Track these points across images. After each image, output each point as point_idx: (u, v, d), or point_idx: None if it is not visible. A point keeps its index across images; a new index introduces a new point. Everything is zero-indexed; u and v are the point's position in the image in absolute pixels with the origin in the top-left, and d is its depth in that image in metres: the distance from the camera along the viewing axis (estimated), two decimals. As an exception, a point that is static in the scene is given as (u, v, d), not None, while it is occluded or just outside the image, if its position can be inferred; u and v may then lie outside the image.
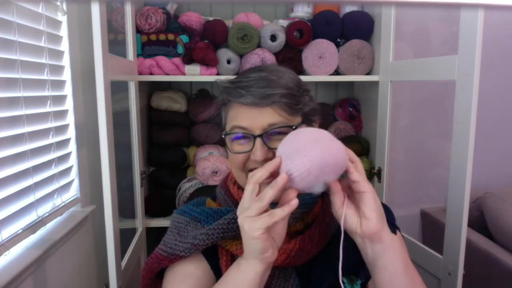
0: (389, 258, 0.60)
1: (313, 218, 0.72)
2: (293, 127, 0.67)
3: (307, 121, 0.71)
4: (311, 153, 0.55)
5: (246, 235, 0.57)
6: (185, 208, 0.77)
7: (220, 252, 0.71)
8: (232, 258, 0.70)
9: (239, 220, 0.58)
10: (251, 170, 0.69)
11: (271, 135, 0.67)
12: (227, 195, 0.77)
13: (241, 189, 0.75)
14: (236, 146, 0.70)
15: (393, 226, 0.77)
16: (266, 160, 0.66)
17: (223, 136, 0.71)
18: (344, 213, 0.60)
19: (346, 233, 0.73)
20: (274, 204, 0.59)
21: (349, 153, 0.60)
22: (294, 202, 0.56)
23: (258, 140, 0.66)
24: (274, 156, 0.66)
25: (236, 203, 0.75)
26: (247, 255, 0.59)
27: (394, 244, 0.60)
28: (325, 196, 0.72)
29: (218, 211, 0.73)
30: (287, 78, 0.69)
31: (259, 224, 0.55)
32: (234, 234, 0.67)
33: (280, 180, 0.56)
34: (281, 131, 0.67)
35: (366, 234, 0.59)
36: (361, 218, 0.60)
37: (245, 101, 0.66)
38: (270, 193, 0.56)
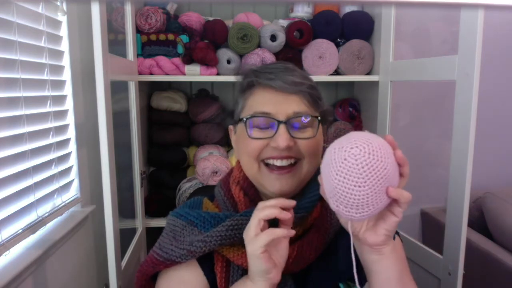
0: (384, 265, 0.60)
1: (311, 222, 0.70)
2: (318, 118, 0.67)
3: (323, 121, 0.70)
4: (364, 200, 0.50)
5: (249, 256, 0.59)
6: (181, 211, 0.74)
7: (216, 258, 0.69)
8: (228, 264, 0.69)
9: (245, 242, 0.60)
10: (263, 161, 0.67)
11: (294, 126, 0.66)
12: (226, 196, 0.74)
13: (242, 191, 0.72)
14: (254, 132, 0.67)
15: None
16: (288, 148, 0.64)
17: (244, 119, 0.67)
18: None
19: (344, 238, 0.71)
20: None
21: (403, 167, 0.54)
22: (293, 232, 0.60)
23: (282, 126, 0.64)
24: (295, 145, 0.65)
25: (235, 205, 0.72)
26: (253, 275, 0.60)
27: (392, 254, 0.59)
28: (324, 202, 0.71)
29: (216, 216, 0.70)
30: (308, 76, 0.71)
31: (258, 242, 0.57)
32: (232, 241, 0.66)
33: (284, 214, 0.60)
34: (305, 124, 0.66)
35: (367, 244, 0.58)
36: (368, 228, 0.58)
37: (274, 84, 0.65)
38: (267, 212, 0.59)
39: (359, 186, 0.50)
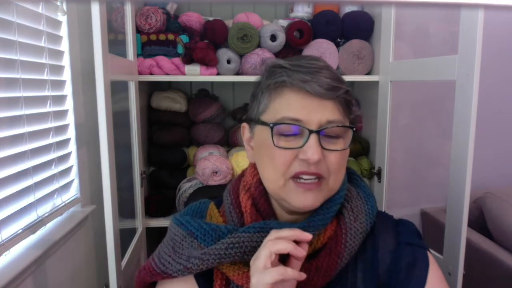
0: None
1: (323, 242, 0.62)
2: (353, 129, 0.60)
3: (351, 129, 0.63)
4: None
5: (253, 287, 0.55)
6: (183, 219, 0.68)
7: (215, 275, 0.64)
8: (227, 283, 0.63)
9: (251, 270, 0.55)
10: (295, 177, 0.59)
11: (327, 135, 0.58)
12: (233, 205, 0.66)
13: (251, 199, 0.65)
14: (281, 142, 0.59)
15: (420, 247, 0.67)
16: (318, 161, 0.57)
17: (271, 125, 0.59)
18: None
19: (365, 261, 0.65)
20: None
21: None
22: (303, 276, 0.54)
23: (314, 137, 0.57)
24: (324, 159, 0.58)
25: (241, 216, 0.65)
26: None
27: None
28: (340, 219, 0.64)
29: (217, 229, 0.64)
30: (342, 77, 0.62)
31: (266, 279, 0.52)
32: (232, 259, 0.60)
33: (299, 251, 0.54)
34: (338, 134, 0.59)
35: None
36: None
37: (310, 88, 0.57)
38: (281, 245, 0.54)
39: None
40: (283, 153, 0.59)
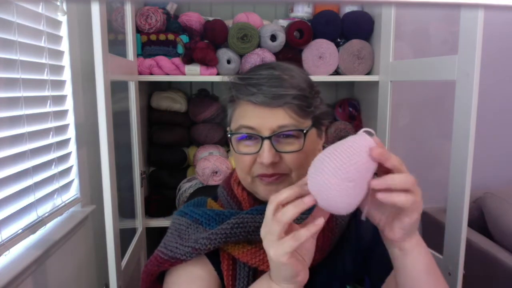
0: (409, 261, 0.55)
1: None
2: (304, 131, 0.64)
3: (317, 125, 0.68)
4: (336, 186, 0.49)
5: (273, 262, 0.54)
6: (186, 210, 0.74)
7: (222, 256, 0.69)
8: (234, 262, 0.68)
9: (264, 244, 0.54)
10: (257, 176, 0.66)
11: (280, 138, 0.64)
12: (229, 196, 0.74)
13: (245, 190, 0.72)
14: (242, 147, 0.66)
15: None
16: (273, 163, 0.63)
17: (228, 135, 0.67)
18: (366, 209, 0.54)
19: (350, 238, 0.70)
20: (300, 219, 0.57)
21: (386, 163, 0.53)
22: (320, 221, 0.52)
23: (266, 142, 0.62)
24: (281, 159, 0.64)
25: (239, 204, 0.72)
26: (278, 279, 0.56)
27: (416, 249, 0.55)
28: None
29: (221, 213, 0.71)
30: (299, 78, 0.66)
31: (284, 249, 0.51)
32: (237, 239, 0.66)
33: (307, 201, 0.52)
34: (291, 135, 0.64)
35: (385, 238, 0.56)
36: (387, 223, 0.55)
37: (256, 100, 0.62)
38: (290, 213, 0.51)
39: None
40: (244, 158, 0.66)
